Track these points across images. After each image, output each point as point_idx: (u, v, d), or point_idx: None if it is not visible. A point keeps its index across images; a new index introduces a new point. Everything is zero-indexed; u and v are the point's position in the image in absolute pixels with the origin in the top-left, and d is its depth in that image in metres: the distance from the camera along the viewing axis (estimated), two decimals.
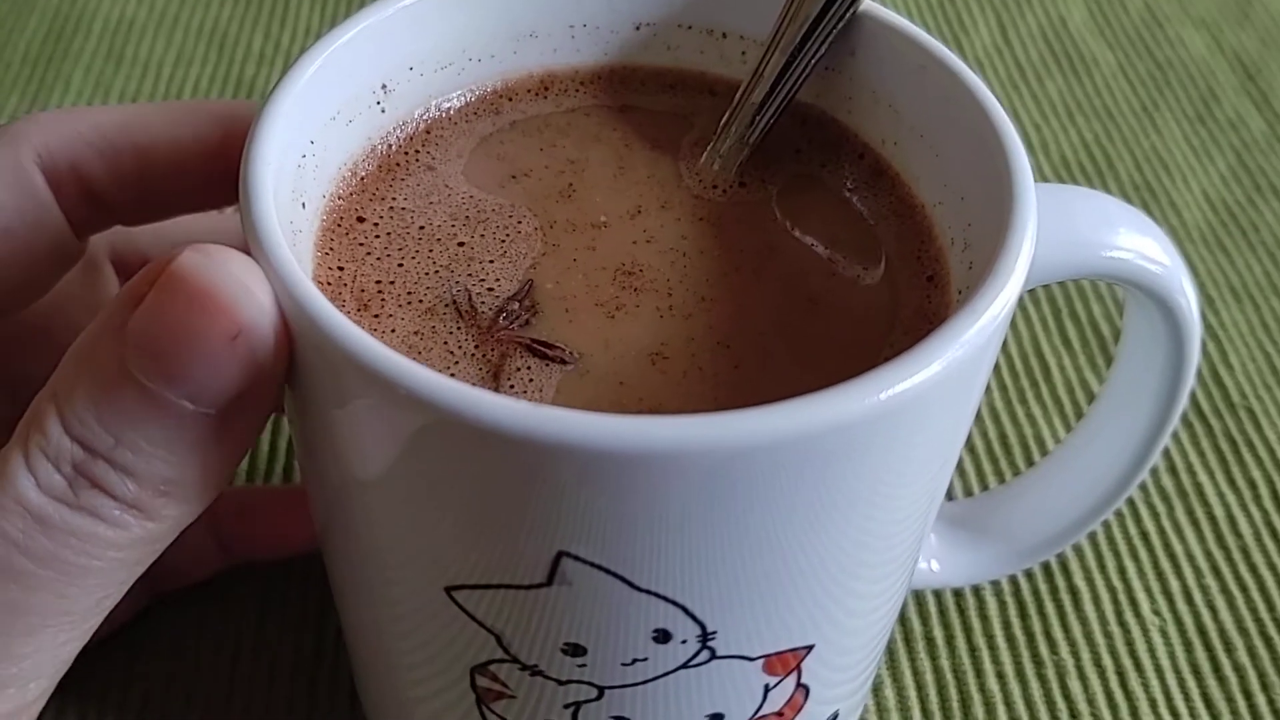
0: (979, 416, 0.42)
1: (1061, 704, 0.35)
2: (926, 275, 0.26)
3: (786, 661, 0.25)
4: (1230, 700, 0.35)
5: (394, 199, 0.27)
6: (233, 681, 0.34)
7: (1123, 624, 0.37)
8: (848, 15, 0.27)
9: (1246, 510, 0.40)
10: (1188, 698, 0.35)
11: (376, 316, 0.25)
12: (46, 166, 0.28)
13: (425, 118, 0.29)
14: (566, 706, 0.25)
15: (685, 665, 0.24)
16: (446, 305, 0.25)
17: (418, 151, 0.28)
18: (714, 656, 0.24)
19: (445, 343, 0.24)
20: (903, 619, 0.36)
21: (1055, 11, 0.60)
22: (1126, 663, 0.36)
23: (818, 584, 0.24)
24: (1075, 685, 0.35)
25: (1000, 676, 0.35)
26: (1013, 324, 0.45)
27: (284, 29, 0.57)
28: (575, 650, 0.24)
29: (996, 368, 0.44)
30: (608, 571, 0.22)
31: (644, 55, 0.30)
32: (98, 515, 0.22)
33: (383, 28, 0.27)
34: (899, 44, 0.27)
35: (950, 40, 0.58)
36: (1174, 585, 0.38)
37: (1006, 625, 0.37)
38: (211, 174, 0.29)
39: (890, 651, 0.36)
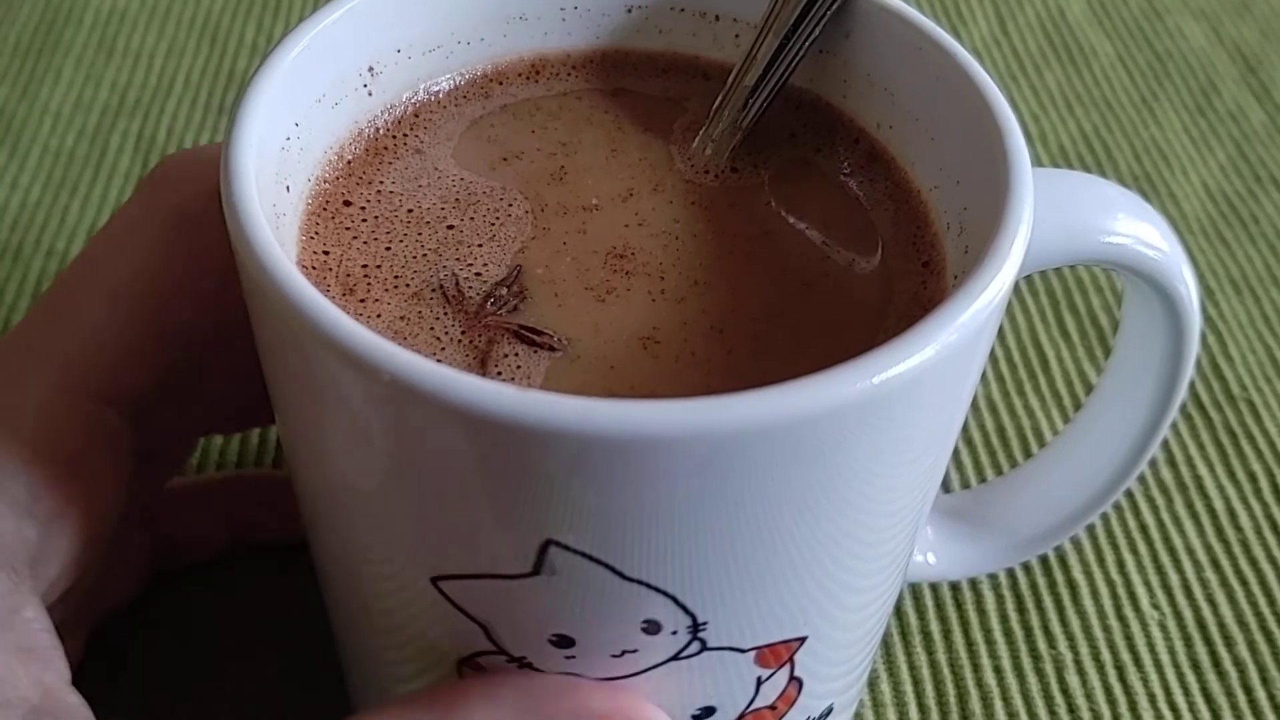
0: (976, 408, 0.42)
1: (1060, 699, 0.35)
2: (922, 260, 0.26)
3: (779, 653, 0.25)
4: (1230, 695, 0.35)
5: (381, 182, 0.27)
6: (222, 673, 0.34)
7: (1122, 618, 0.36)
8: None
9: (1247, 503, 0.39)
10: (1187, 692, 0.35)
11: (362, 301, 0.24)
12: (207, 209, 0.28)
13: (414, 101, 0.28)
14: None
15: (676, 657, 0.24)
16: (433, 290, 0.25)
17: (406, 135, 0.28)
18: (705, 648, 0.23)
19: (431, 328, 0.24)
20: (899, 612, 0.36)
21: (1054, 2, 0.60)
22: (1125, 657, 0.35)
23: (811, 574, 0.23)
24: (1074, 680, 0.35)
25: (998, 671, 0.35)
26: (1011, 315, 0.45)
27: (276, 20, 0.57)
28: (564, 642, 0.23)
29: (995, 359, 0.43)
30: (596, 560, 0.21)
31: (636, 38, 0.30)
32: None
33: (368, 10, 0.26)
34: (894, 26, 0.27)
35: (949, 31, 0.57)
36: (1174, 579, 0.37)
37: (1004, 619, 0.36)
38: None
39: (886, 645, 0.35)
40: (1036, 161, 0.51)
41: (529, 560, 0.21)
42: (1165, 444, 0.41)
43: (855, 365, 0.20)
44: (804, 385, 0.19)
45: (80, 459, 0.26)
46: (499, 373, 0.23)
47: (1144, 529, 0.39)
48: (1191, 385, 0.43)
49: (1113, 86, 0.55)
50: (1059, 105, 0.54)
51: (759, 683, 0.25)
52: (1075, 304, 0.45)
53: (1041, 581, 0.37)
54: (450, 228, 0.26)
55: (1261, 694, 0.35)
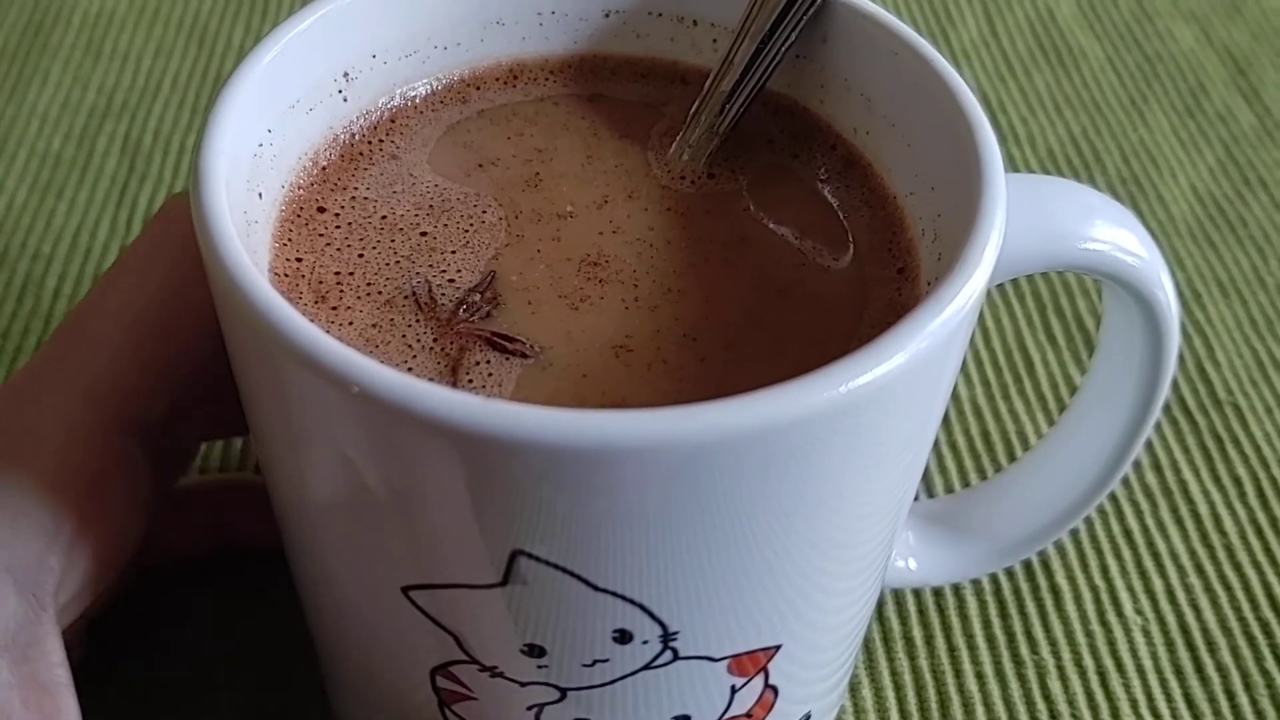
0: (960, 411, 0.42)
1: (1041, 705, 0.34)
2: (897, 267, 0.26)
3: (754, 662, 0.25)
4: (1213, 700, 0.35)
5: (356, 188, 0.27)
6: (207, 680, 0.34)
7: (1104, 623, 0.36)
8: (818, 1, 0.26)
9: (1231, 508, 0.39)
10: (1170, 698, 0.35)
11: (334, 309, 0.24)
12: None
13: (390, 106, 0.28)
14: (529, 709, 0.25)
15: (648, 666, 0.23)
16: (406, 297, 0.24)
17: (382, 140, 0.28)
18: (677, 657, 0.23)
19: (404, 335, 0.24)
20: (881, 618, 0.36)
21: (1043, 4, 0.60)
22: (1108, 663, 0.35)
23: (783, 583, 0.23)
24: (1056, 686, 0.35)
25: (980, 677, 0.35)
26: (996, 319, 0.45)
27: (265, 22, 0.57)
28: (535, 651, 0.23)
29: (979, 363, 0.43)
30: (565, 571, 0.21)
31: (614, 43, 0.30)
32: None
33: (343, 15, 0.26)
34: (871, 30, 0.26)
35: (937, 32, 0.57)
36: (1157, 584, 0.37)
37: (986, 625, 0.36)
38: None
39: (868, 651, 0.35)
40: (1025, 163, 0.51)
41: (498, 570, 0.21)
42: (1150, 448, 0.41)
43: (824, 373, 0.20)
44: (773, 394, 0.19)
45: (100, 486, 0.26)
46: (470, 381, 0.23)
47: (1128, 534, 0.39)
48: (1177, 389, 0.43)
49: (1102, 88, 0.55)
50: (1048, 107, 0.54)
51: (733, 691, 0.25)
52: (1061, 307, 0.45)
53: (1024, 586, 0.37)
54: (424, 234, 0.26)
55: (1244, 699, 0.35)
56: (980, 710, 0.34)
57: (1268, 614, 0.37)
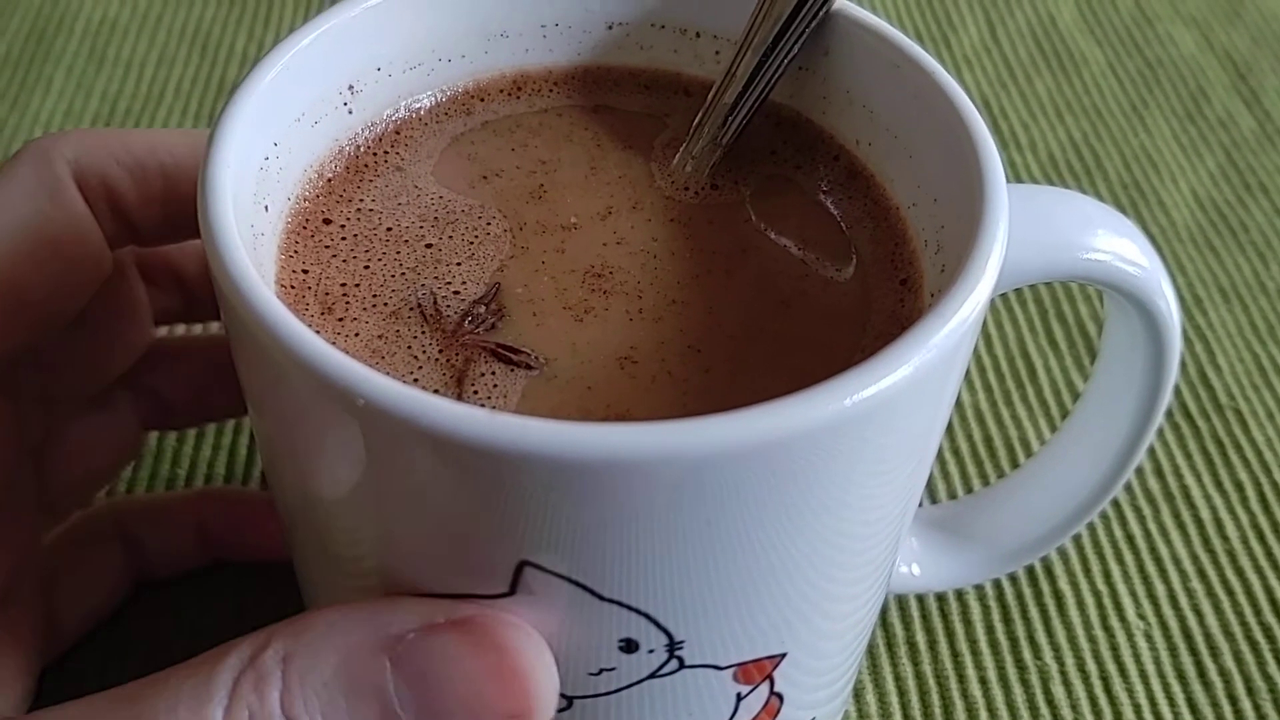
0: (963, 418, 0.42)
1: (1045, 710, 0.35)
2: (900, 278, 0.26)
3: (759, 670, 0.25)
4: (1215, 705, 0.35)
5: (362, 200, 0.27)
6: None
7: (1107, 628, 0.36)
8: (820, 14, 0.27)
9: (1233, 513, 0.40)
10: (1173, 703, 0.35)
11: (340, 320, 0.24)
12: (79, 180, 0.28)
13: (394, 118, 0.28)
14: None
15: (654, 675, 0.24)
16: (411, 309, 0.25)
17: (387, 152, 0.28)
18: (683, 666, 0.24)
19: (409, 347, 0.24)
20: (884, 623, 0.36)
21: (1044, 9, 0.60)
22: (1111, 668, 0.36)
23: (788, 592, 0.23)
24: (1059, 691, 0.35)
25: (983, 682, 0.35)
26: (998, 324, 0.45)
27: (268, 30, 0.57)
28: None
29: (982, 369, 0.43)
30: (571, 581, 0.21)
31: (617, 55, 0.30)
32: None
33: (348, 29, 0.26)
34: (873, 43, 0.27)
35: (938, 38, 0.57)
36: (1159, 589, 0.37)
37: (990, 630, 0.36)
38: None
39: (872, 656, 0.35)
40: (1025, 169, 0.51)
41: (505, 581, 0.21)
42: (1152, 453, 0.41)
43: (829, 386, 0.20)
44: (778, 407, 0.19)
45: None
46: (476, 392, 0.23)
47: (1130, 539, 0.39)
48: (1179, 394, 0.43)
49: (1103, 94, 0.55)
50: (1049, 113, 0.54)
51: (739, 699, 0.25)
52: (1063, 313, 0.45)
53: (1027, 592, 0.37)
54: (429, 246, 0.26)
55: (1247, 704, 0.35)
56: (984, 715, 0.34)
57: (1270, 618, 0.37)
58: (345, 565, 0.24)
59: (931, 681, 0.35)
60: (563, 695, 0.24)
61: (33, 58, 0.55)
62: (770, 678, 0.25)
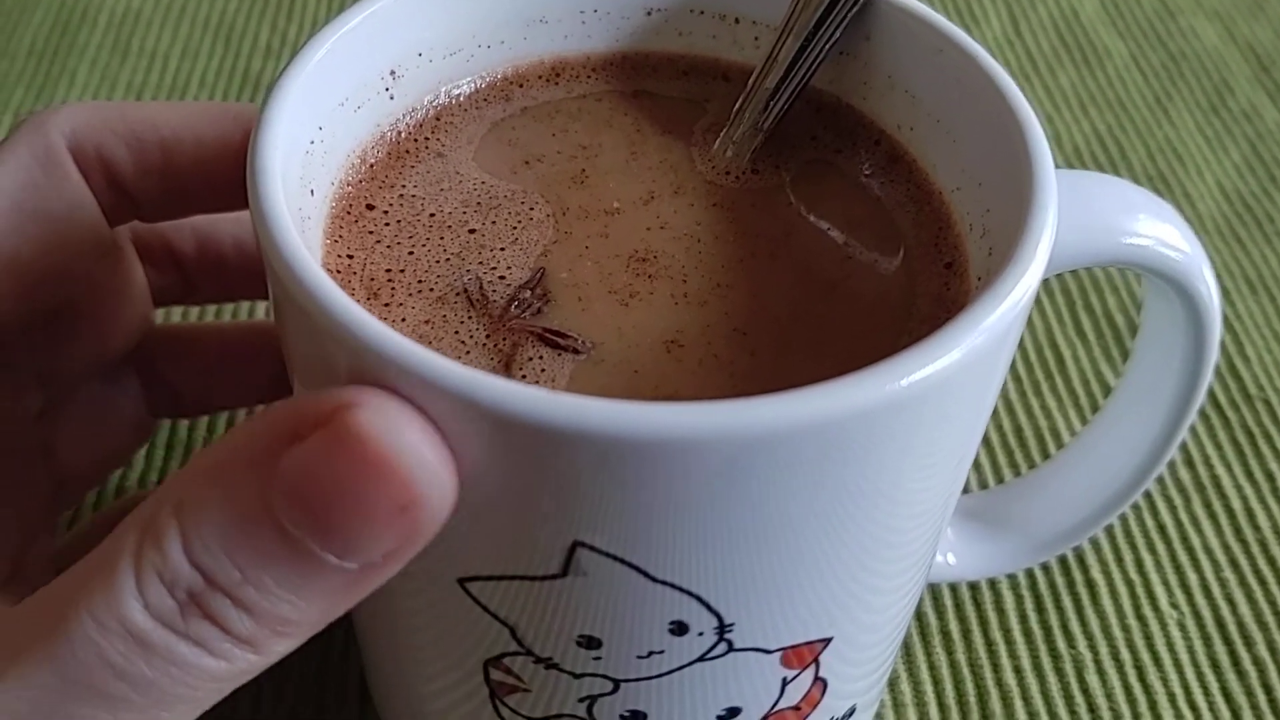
0: (994, 408, 0.42)
1: (1080, 699, 0.35)
2: (945, 262, 0.26)
3: (804, 654, 0.25)
4: (1250, 694, 0.35)
5: (404, 186, 0.27)
6: None
7: (1141, 618, 0.36)
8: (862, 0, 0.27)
9: (1265, 503, 0.39)
10: (1207, 692, 0.35)
11: (386, 305, 0.24)
12: (75, 152, 0.28)
13: (435, 104, 0.28)
14: (581, 700, 0.25)
15: (702, 658, 0.24)
16: (457, 294, 0.25)
17: (427, 138, 0.28)
18: (731, 649, 0.24)
19: (456, 332, 0.24)
20: (919, 613, 0.36)
21: (1067, 2, 0.60)
22: (1145, 657, 0.36)
23: (836, 575, 0.23)
24: (1093, 680, 0.35)
25: (1017, 671, 0.35)
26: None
27: (290, 22, 0.57)
28: (590, 643, 0.23)
29: (1010, 360, 0.43)
30: (624, 562, 0.21)
31: (656, 41, 0.30)
32: (204, 647, 0.20)
33: (391, 14, 0.26)
34: (915, 28, 0.27)
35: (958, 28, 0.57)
36: (1192, 579, 0.37)
37: (1023, 619, 0.36)
38: (233, 175, 0.28)
39: (906, 646, 0.35)
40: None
41: (557, 562, 0.21)
42: (1183, 444, 0.41)
43: (884, 367, 0.20)
44: (832, 388, 0.19)
45: None
46: (523, 375, 0.23)
47: (1162, 529, 0.39)
48: (1208, 385, 0.43)
49: (1126, 86, 0.55)
50: (1072, 105, 0.54)
51: (784, 683, 0.25)
52: (1091, 304, 0.45)
53: (1060, 581, 0.37)
54: (472, 231, 0.26)
55: None
56: (1019, 704, 0.34)
57: None
58: None
59: (966, 671, 0.35)
60: (609, 679, 0.24)
61: (56, 49, 0.55)
62: (816, 662, 0.25)
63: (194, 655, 0.21)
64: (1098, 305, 0.45)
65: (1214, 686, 0.35)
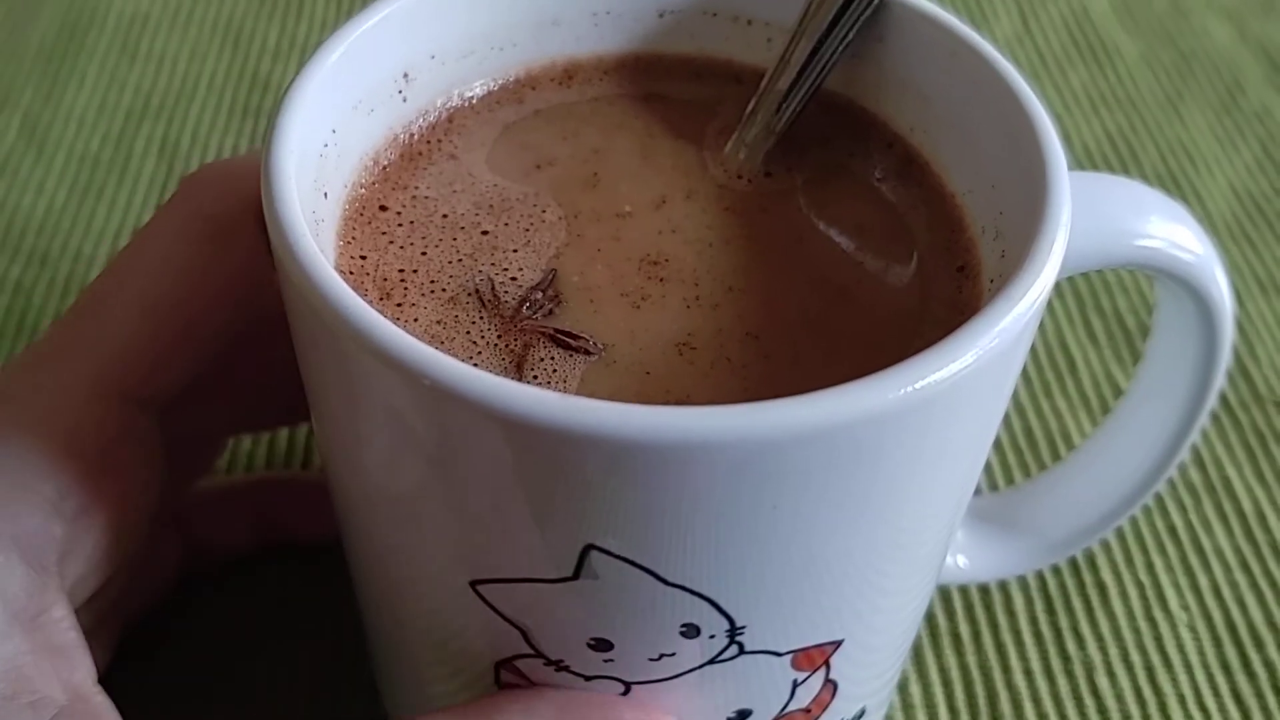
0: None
1: (1090, 701, 0.34)
2: (958, 265, 0.26)
3: (815, 657, 0.25)
4: (1260, 696, 0.35)
5: (417, 188, 0.27)
6: (253, 677, 0.34)
7: (1151, 620, 0.36)
8: (875, 2, 0.27)
9: (1276, 505, 0.39)
10: (1217, 694, 0.35)
11: (399, 306, 0.24)
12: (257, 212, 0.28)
13: (448, 106, 0.28)
14: None
15: (713, 660, 0.24)
16: (469, 295, 0.25)
17: (440, 140, 0.28)
18: (742, 651, 0.24)
19: (468, 332, 0.24)
20: (929, 615, 0.36)
21: (1078, 1, 0.60)
22: (1155, 659, 0.35)
23: (848, 578, 0.23)
24: (1104, 682, 0.35)
25: (1027, 673, 0.35)
26: None
27: (299, 23, 0.57)
28: (602, 645, 0.23)
29: (1023, 363, 0.43)
30: (636, 565, 0.21)
31: (668, 43, 0.30)
32: None
33: (404, 17, 0.26)
34: (928, 30, 0.27)
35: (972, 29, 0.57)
36: (1203, 581, 0.37)
37: (1033, 621, 0.36)
38: None
39: (916, 648, 0.35)
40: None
41: (569, 565, 0.21)
42: (1193, 445, 0.41)
43: (896, 372, 0.20)
44: (844, 392, 0.19)
45: (110, 458, 0.26)
46: (535, 377, 0.23)
47: (1173, 530, 0.39)
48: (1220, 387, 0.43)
49: (1137, 86, 0.55)
50: (1083, 105, 0.54)
51: (794, 686, 0.25)
52: (1101, 305, 0.45)
53: (1071, 583, 0.37)
54: (485, 233, 0.26)
55: None
56: (1029, 706, 0.34)
57: None
58: (404, 551, 0.24)
59: (975, 673, 0.35)
60: (620, 681, 0.24)
61: (65, 51, 0.55)
62: (826, 665, 0.25)
63: None
64: (1109, 307, 0.45)
65: (1224, 689, 0.35)
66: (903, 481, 0.22)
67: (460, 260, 0.25)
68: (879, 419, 0.20)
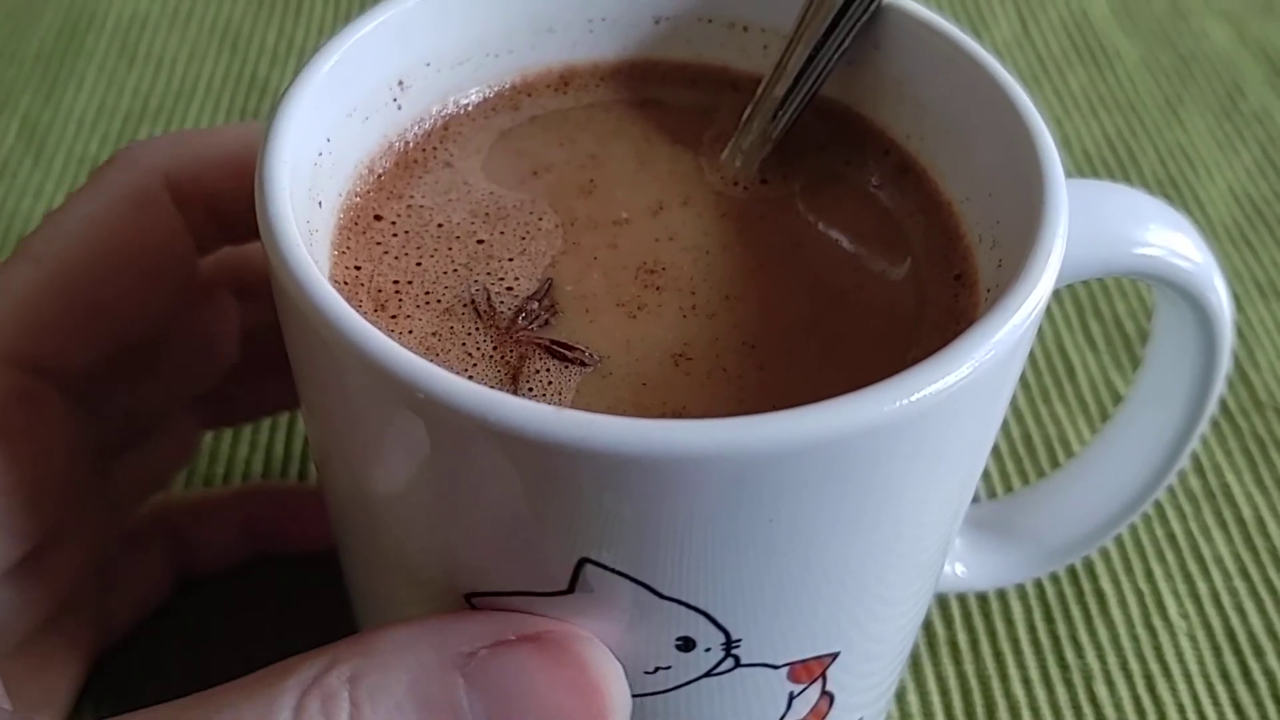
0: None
1: (1088, 710, 0.34)
2: (954, 274, 0.25)
3: (812, 669, 0.25)
4: (1260, 705, 0.35)
5: (412, 196, 0.27)
6: None
7: (1150, 628, 0.36)
8: (872, 8, 0.26)
9: (1275, 511, 0.39)
10: (1216, 703, 0.35)
11: (394, 317, 0.24)
12: (174, 188, 0.28)
13: (443, 114, 0.28)
14: None
15: (709, 673, 0.24)
16: (465, 305, 0.25)
17: (435, 148, 0.28)
18: (738, 664, 0.23)
19: (463, 344, 0.24)
20: (926, 624, 0.36)
21: (1077, 4, 0.60)
22: (1154, 668, 0.35)
23: (844, 590, 0.23)
24: (1102, 691, 0.35)
25: (1026, 682, 0.35)
26: None
27: (297, 26, 0.57)
28: None
29: (1020, 372, 0.43)
30: (631, 579, 0.21)
31: (664, 49, 0.30)
32: None
33: (399, 24, 0.26)
34: (925, 37, 0.26)
35: (970, 33, 0.57)
36: (1202, 588, 0.37)
37: (1032, 630, 0.36)
38: None
39: (914, 657, 0.35)
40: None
41: (564, 579, 0.21)
42: (1192, 452, 0.41)
43: (890, 384, 0.20)
44: (839, 405, 0.19)
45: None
46: (530, 389, 0.23)
47: (1172, 538, 0.38)
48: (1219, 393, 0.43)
49: (1137, 89, 0.55)
50: (1082, 108, 0.54)
51: (791, 698, 0.25)
52: (1101, 310, 0.45)
53: (1069, 592, 0.37)
54: (480, 242, 0.26)
55: None
56: (1027, 715, 0.34)
57: None
58: (399, 565, 0.24)
59: (974, 682, 0.35)
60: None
61: (64, 53, 0.55)
62: (823, 677, 0.25)
63: None
64: (1108, 312, 0.45)
65: (1224, 698, 0.35)
66: (900, 492, 0.22)
67: (456, 270, 0.25)
68: (875, 431, 0.20)
